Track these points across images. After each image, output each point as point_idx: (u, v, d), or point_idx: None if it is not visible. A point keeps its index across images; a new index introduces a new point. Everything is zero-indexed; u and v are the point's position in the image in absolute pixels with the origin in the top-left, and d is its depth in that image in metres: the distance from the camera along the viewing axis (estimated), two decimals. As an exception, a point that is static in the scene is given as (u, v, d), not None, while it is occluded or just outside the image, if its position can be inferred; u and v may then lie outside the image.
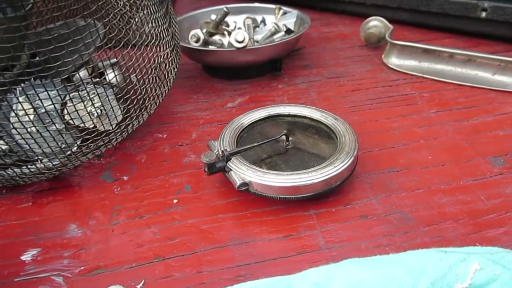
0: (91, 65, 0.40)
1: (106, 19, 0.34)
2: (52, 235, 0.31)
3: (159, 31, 0.33)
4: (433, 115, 0.41)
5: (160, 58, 0.34)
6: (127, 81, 0.34)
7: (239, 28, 0.53)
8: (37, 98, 0.30)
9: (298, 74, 0.50)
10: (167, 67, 0.35)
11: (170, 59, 0.35)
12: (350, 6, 0.64)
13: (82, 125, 0.33)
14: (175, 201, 0.33)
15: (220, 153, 0.32)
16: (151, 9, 0.32)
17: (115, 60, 0.38)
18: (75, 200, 0.34)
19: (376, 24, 0.53)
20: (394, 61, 0.50)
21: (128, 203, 0.33)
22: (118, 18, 0.32)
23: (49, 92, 0.31)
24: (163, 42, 0.33)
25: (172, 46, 0.36)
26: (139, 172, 0.36)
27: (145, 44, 0.32)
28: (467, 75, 0.46)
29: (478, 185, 0.32)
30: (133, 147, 0.39)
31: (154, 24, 0.32)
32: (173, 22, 0.37)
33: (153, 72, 0.33)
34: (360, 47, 0.56)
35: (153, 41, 0.32)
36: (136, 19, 0.32)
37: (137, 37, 0.31)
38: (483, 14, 0.52)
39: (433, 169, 0.34)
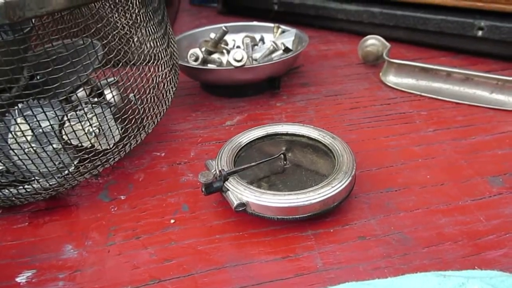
0: (89, 86, 0.41)
1: (105, 40, 0.34)
2: (47, 256, 0.30)
3: (158, 51, 0.33)
4: (431, 134, 0.41)
5: (159, 78, 0.34)
6: (125, 101, 0.34)
7: (237, 47, 0.53)
8: (35, 119, 0.30)
9: (296, 92, 0.50)
10: (165, 87, 0.36)
11: (168, 79, 0.36)
12: (347, 24, 0.65)
13: (79, 144, 0.33)
14: (172, 221, 0.32)
15: (218, 172, 0.32)
16: (150, 30, 0.32)
17: (113, 79, 0.38)
18: (71, 220, 0.33)
19: (373, 42, 0.54)
20: (392, 79, 0.50)
21: (124, 223, 0.33)
22: (117, 39, 0.33)
23: (46, 112, 0.31)
24: (162, 62, 0.34)
25: (171, 66, 0.36)
26: (136, 191, 0.36)
27: (144, 64, 0.32)
28: (465, 93, 0.46)
29: (477, 205, 0.32)
30: (131, 166, 0.39)
31: (152, 45, 0.32)
32: (172, 41, 0.38)
33: (151, 91, 0.33)
34: (358, 65, 0.57)
35: (152, 61, 0.33)
36: (135, 40, 0.32)
37: (136, 57, 0.31)
38: (480, 33, 0.53)
39: (431, 188, 0.34)
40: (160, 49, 0.33)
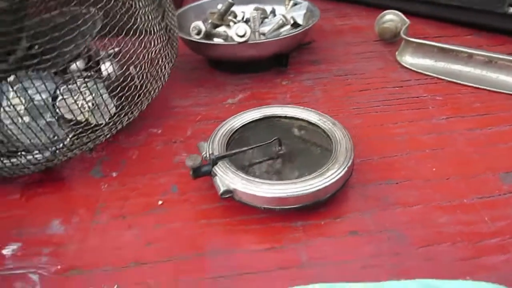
0: (86, 55, 0.39)
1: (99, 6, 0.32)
2: (34, 230, 0.30)
3: (150, 25, 0.31)
4: (443, 122, 0.38)
5: (152, 53, 0.32)
6: (118, 74, 0.33)
7: (246, 20, 0.50)
8: (26, 92, 0.29)
9: (305, 70, 0.48)
10: (160, 62, 0.34)
11: (163, 54, 0.34)
12: (367, -4, 0.61)
13: (73, 118, 0.33)
14: (160, 202, 0.32)
15: (208, 156, 0.30)
16: (141, 3, 0.30)
17: (108, 53, 0.37)
18: (62, 195, 0.33)
19: (391, 18, 0.50)
20: (408, 59, 0.47)
21: (113, 201, 0.32)
22: (108, 7, 0.31)
23: (36, 86, 0.30)
24: (156, 37, 0.32)
25: (166, 40, 0.34)
26: (128, 169, 0.35)
27: (134, 38, 0.31)
28: (486, 77, 0.43)
29: (483, 204, 0.30)
30: (126, 142, 0.38)
31: (143, 18, 0.30)
32: (169, 14, 0.36)
33: (143, 67, 0.32)
34: (374, 42, 0.53)
35: (144, 35, 0.31)
36: (123, 11, 0.30)
37: (125, 31, 0.30)
38: (511, 10, 0.48)
39: (435, 183, 0.32)
40: (153, 23, 0.31)
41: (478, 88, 0.42)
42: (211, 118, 0.41)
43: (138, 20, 0.30)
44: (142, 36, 0.31)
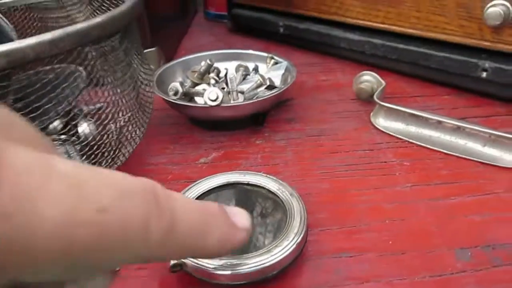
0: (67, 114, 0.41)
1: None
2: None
3: (117, 98, 0.33)
4: (408, 190, 0.39)
5: (121, 122, 0.34)
6: (95, 134, 0.35)
7: (227, 79, 0.52)
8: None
9: (280, 129, 0.49)
10: (129, 129, 0.36)
11: (133, 121, 0.36)
12: (350, 53, 0.63)
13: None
14: (117, 268, 0.32)
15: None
16: (107, 79, 0.32)
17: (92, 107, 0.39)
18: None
19: (367, 79, 0.51)
20: (381, 122, 0.48)
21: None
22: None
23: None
24: (123, 108, 0.34)
25: (137, 108, 0.36)
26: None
27: (100, 111, 0.32)
28: (455, 144, 0.43)
29: (435, 283, 0.30)
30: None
31: (110, 92, 0.32)
32: (142, 82, 0.38)
33: (110, 136, 0.33)
34: (352, 100, 0.54)
35: (111, 107, 0.33)
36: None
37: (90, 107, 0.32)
38: (484, 74, 0.49)
39: (390, 257, 0.32)
40: (121, 96, 0.33)
41: (447, 154, 0.43)
42: (181, 178, 0.42)
43: (106, 93, 0.31)
44: (109, 108, 0.32)
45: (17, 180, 0.11)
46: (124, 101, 0.34)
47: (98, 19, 0.28)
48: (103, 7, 0.45)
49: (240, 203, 0.32)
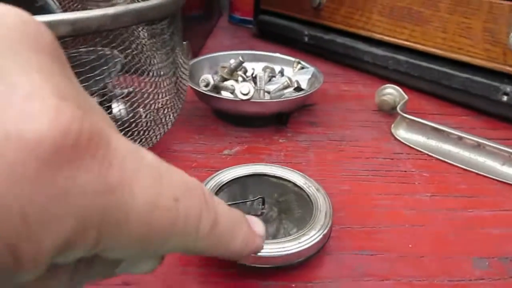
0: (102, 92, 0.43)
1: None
2: None
3: (160, 80, 0.34)
4: (427, 199, 0.40)
5: (158, 103, 0.35)
6: (128, 112, 0.36)
7: (254, 76, 0.54)
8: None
9: (302, 130, 0.50)
10: (165, 112, 0.37)
11: (170, 105, 0.37)
12: (373, 67, 0.64)
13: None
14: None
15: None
16: (155, 60, 0.33)
17: (126, 90, 0.40)
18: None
19: (391, 92, 0.53)
20: (402, 133, 0.49)
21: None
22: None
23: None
24: (164, 90, 0.35)
25: (174, 93, 0.37)
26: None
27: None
28: (474, 161, 0.44)
29: (453, 287, 0.30)
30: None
31: (155, 73, 0.33)
32: (180, 70, 0.39)
33: (148, 116, 0.34)
34: (373, 111, 0.56)
35: (153, 88, 0.34)
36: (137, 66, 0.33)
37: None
38: (505, 98, 0.51)
39: (410, 259, 0.33)
40: (163, 78, 0.34)
41: (466, 169, 0.44)
42: (206, 166, 0.43)
43: (150, 74, 0.33)
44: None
45: (122, 164, 0.13)
46: (165, 84, 0.35)
47: (155, 1, 0.30)
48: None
49: (264, 194, 0.33)
